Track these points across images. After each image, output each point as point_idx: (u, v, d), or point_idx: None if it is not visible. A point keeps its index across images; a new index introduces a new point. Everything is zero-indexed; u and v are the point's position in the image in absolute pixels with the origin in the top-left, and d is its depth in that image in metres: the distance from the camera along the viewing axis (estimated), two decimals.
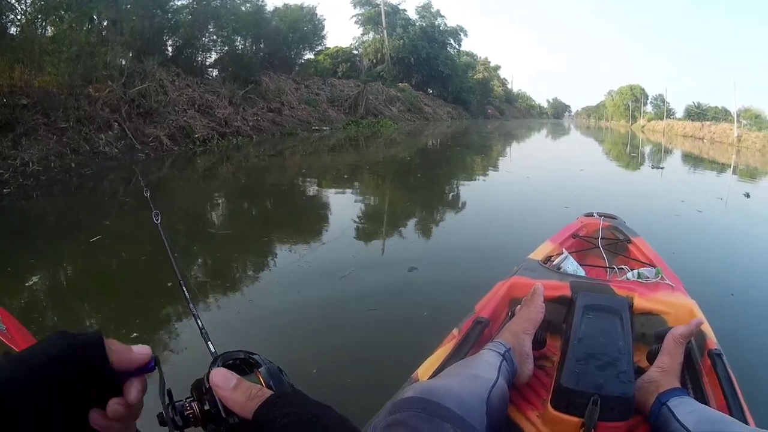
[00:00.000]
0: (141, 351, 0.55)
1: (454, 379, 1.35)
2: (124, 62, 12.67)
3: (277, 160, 12.25)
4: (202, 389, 0.55)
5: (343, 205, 7.24)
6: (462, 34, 47.17)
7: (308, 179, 9.76)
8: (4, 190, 7.25)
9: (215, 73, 18.70)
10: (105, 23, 13.07)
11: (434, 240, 5.59)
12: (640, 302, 1.97)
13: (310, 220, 6.33)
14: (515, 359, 1.62)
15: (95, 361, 0.51)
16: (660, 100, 64.03)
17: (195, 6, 17.38)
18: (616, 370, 1.42)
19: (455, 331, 1.88)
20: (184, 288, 0.83)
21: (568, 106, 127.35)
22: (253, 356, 0.59)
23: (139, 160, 10.52)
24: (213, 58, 19.01)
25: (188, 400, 0.55)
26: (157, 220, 1.09)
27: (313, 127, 19.94)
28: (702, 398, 1.57)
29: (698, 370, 1.72)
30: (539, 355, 1.84)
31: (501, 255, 4.42)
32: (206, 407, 0.54)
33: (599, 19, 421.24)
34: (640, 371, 1.65)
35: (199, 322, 0.77)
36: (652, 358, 1.67)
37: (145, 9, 14.75)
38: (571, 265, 2.46)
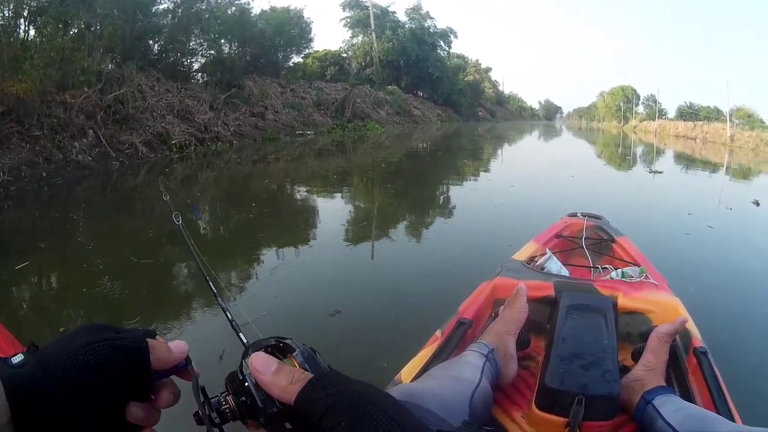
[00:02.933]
0: (179, 349, 0.54)
1: (436, 380, 1.36)
2: (102, 67, 12.52)
3: (260, 167, 12.13)
4: (236, 381, 0.53)
5: (329, 210, 7.23)
6: (452, 36, 47.07)
7: (293, 185, 9.69)
8: None
9: (203, 77, 18.62)
10: (81, 28, 12.93)
11: (418, 242, 5.62)
12: (624, 301, 1.98)
13: (294, 225, 6.31)
14: (499, 360, 1.63)
15: (137, 368, 0.50)
16: (652, 101, 64.40)
17: (178, 10, 17.26)
18: (601, 369, 1.43)
19: (438, 333, 1.88)
20: (211, 284, 0.82)
21: (560, 108, 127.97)
22: (285, 341, 0.56)
23: (113, 169, 10.37)
24: (199, 63, 18.96)
25: (223, 394, 0.54)
26: (178, 221, 1.08)
27: (297, 132, 19.83)
28: (688, 396, 1.58)
29: (684, 368, 1.73)
30: (523, 355, 1.86)
31: (485, 256, 4.46)
32: (242, 399, 0.52)
33: (592, 20, 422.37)
34: (625, 370, 1.65)
35: (228, 314, 0.76)
36: (637, 356, 1.68)
37: (125, 13, 14.60)
38: (555, 265, 2.48)
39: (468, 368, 1.45)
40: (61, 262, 4.74)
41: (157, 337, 0.53)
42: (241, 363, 0.54)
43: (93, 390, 0.46)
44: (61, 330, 3.27)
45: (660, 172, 12.71)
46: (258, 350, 0.54)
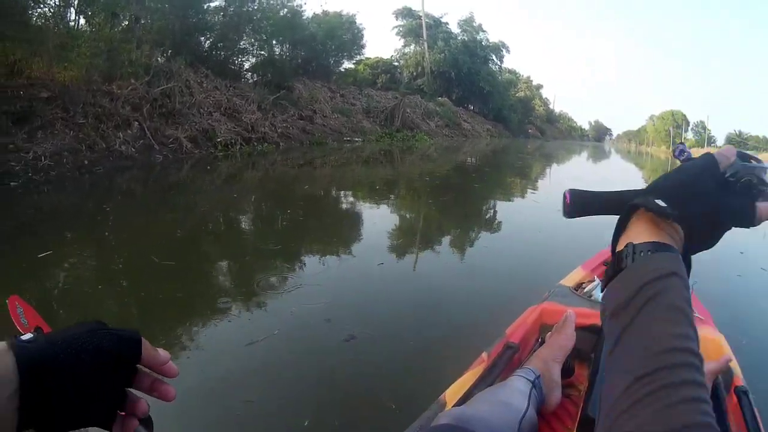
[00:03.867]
0: (164, 354, 0.58)
1: (486, 405, 1.34)
2: (150, 60, 12.35)
3: (305, 170, 11.65)
4: None
5: (371, 219, 6.91)
6: (504, 51, 46.66)
7: (337, 192, 9.29)
8: (11, 183, 7.05)
9: (253, 77, 18.49)
10: (130, 20, 12.85)
11: (462, 260, 5.27)
12: None
13: (333, 233, 5.98)
14: (544, 387, 1.60)
15: (132, 357, 0.55)
16: (701, 127, 63.68)
17: (229, 8, 17.17)
18: None
19: (484, 355, 1.84)
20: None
21: (609, 130, 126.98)
22: None
23: (156, 162, 10.15)
24: (250, 63, 18.87)
25: None
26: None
27: (345, 138, 19.42)
28: None
29: (723, 406, 1.63)
30: (566, 383, 1.80)
31: (530, 279, 4.30)
32: None
33: (646, 42, 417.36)
34: None
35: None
36: None
37: (176, 8, 14.52)
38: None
39: (516, 395, 1.43)
40: (82, 256, 4.47)
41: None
42: None
43: (96, 371, 0.50)
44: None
45: None
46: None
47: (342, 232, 6.07)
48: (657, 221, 0.60)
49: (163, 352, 0.58)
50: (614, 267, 0.58)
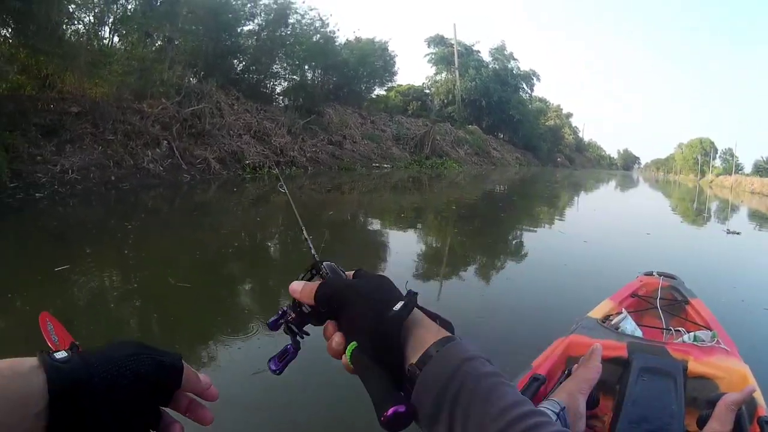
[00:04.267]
0: (206, 380, 0.59)
1: None
2: (183, 81, 12.41)
3: (333, 195, 11.47)
4: (293, 301, 0.72)
5: (396, 247, 6.84)
6: (535, 79, 46.59)
7: (364, 217, 9.18)
8: (37, 194, 7.08)
9: (284, 101, 18.54)
10: (163, 40, 12.95)
11: (487, 289, 5.31)
12: (694, 366, 1.97)
13: (360, 260, 5.74)
14: (569, 418, 1.57)
15: (172, 384, 0.55)
16: (729, 155, 63.44)
17: (263, 32, 17.26)
18: None
19: None
20: (311, 244, 0.88)
21: (638, 158, 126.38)
22: (317, 264, 0.75)
23: (183, 181, 10.09)
24: (282, 87, 18.94)
25: (290, 308, 0.73)
26: (283, 190, 1.10)
27: (374, 164, 19.31)
28: None
29: None
30: (591, 414, 1.77)
31: (557, 311, 4.27)
32: (298, 309, 0.71)
33: (672, 70, 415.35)
34: None
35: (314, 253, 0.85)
36: (701, 423, 1.59)
37: (210, 30, 14.60)
38: (630, 326, 2.48)
39: None
40: (98, 272, 4.42)
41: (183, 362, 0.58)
42: None
43: (133, 395, 0.50)
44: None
45: (737, 233, 11.59)
46: (300, 277, 0.75)
47: (364, 258, 5.95)
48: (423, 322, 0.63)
49: (204, 378, 0.58)
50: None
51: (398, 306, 0.60)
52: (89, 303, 3.75)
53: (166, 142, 10.55)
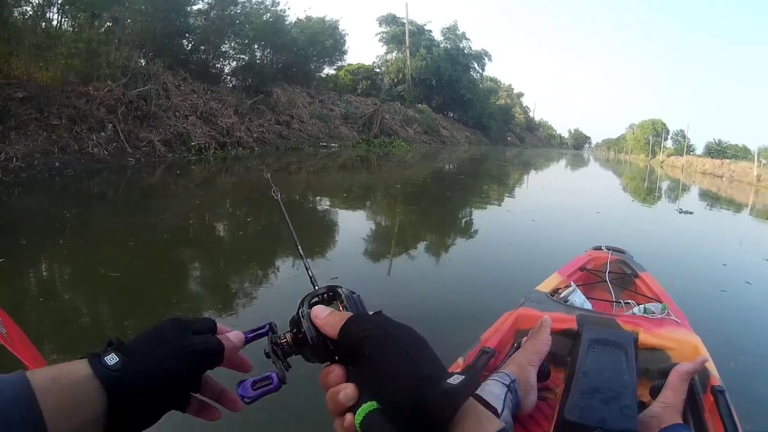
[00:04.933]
0: (239, 338, 0.64)
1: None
2: (129, 62, 12.38)
3: (281, 176, 11.58)
4: (293, 322, 0.64)
5: (345, 225, 7.04)
6: (486, 59, 47.04)
7: (313, 197, 9.43)
8: None
9: (233, 81, 18.56)
10: (111, 22, 12.86)
11: (438, 267, 5.38)
12: (645, 337, 1.99)
13: (312, 238, 5.95)
14: (519, 390, 1.63)
15: (212, 365, 0.60)
16: (681, 136, 64.27)
17: (212, 11, 17.21)
18: (620, 404, 1.46)
19: (460, 361, 1.88)
20: (300, 247, 0.87)
21: (589, 138, 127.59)
22: (336, 289, 0.67)
23: (128, 165, 10.17)
24: (230, 66, 18.93)
25: (285, 333, 0.65)
26: (277, 197, 1.08)
27: (321, 143, 19.60)
28: None
29: (700, 406, 1.72)
30: (542, 386, 1.87)
31: (507, 285, 4.36)
32: (299, 335, 0.63)
33: (626, 52, 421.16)
34: (642, 406, 1.66)
35: (309, 271, 0.80)
36: (655, 393, 1.68)
37: (158, 10, 14.56)
38: (579, 299, 2.50)
39: (491, 398, 1.46)
40: (31, 267, 4.32)
41: (218, 326, 0.64)
42: (299, 308, 0.64)
43: (172, 391, 0.56)
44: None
45: (690, 213, 12.03)
46: (313, 299, 0.66)
47: (313, 239, 5.92)
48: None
49: (237, 338, 0.63)
50: None
51: (456, 379, 0.49)
52: (15, 296, 3.63)
53: (111, 125, 10.63)
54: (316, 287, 0.70)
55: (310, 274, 0.80)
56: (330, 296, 0.67)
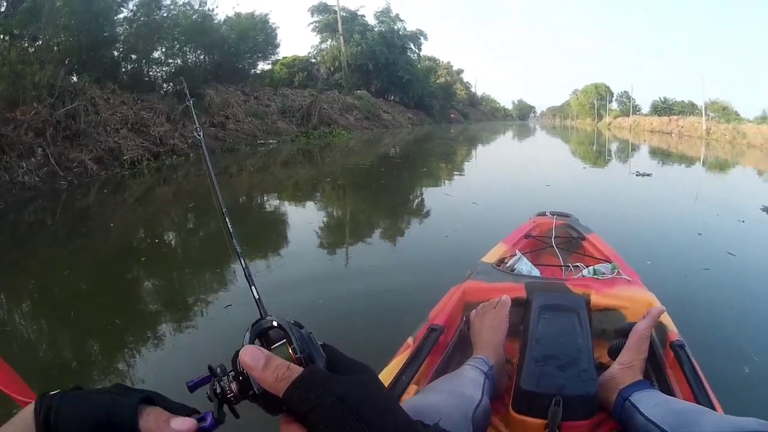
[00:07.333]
0: (182, 427, 0.50)
1: (440, 396, 1.35)
2: (55, 81, 12.13)
3: (220, 179, 11.49)
4: (237, 362, 0.55)
5: (299, 217, 7.20)
6: (422, 38, 47.17)
7: (254, 198, 9.55)
8: None
9: (169, 87, 18.31)
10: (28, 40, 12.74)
11: (386, 250, 5.55)
12: (597, 298, 1.99)
13: (257, 238, 6.12)
14: (496, 375, 1.64)
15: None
16: (625, 97, 65.17)
17: (139, 18, 16.96)
18: (577, 369, 1.44)
19: (410, 340, 1.85)
20: (242, 259, 0.77)
21: (533, 108, 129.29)
22: (284, 325, 0.57)
23: (61, 189, 10.04)
24: (164, 73, 18.76)
25: (230, 374, 0.56)
26: (199, 135, 1.02)
27: (259, 141, 19.69)
28: (668, 390, 1.59)
29: (661, 362, 1.74)
30: None
31: (455, 260, 4.32)
32: (246, 384, 0.54)
33: (562, 17, 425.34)
34: (602, 367, 1.67)
35: (253, 289, 0.72)
36: (613, 353, 1.66)
37: (84, 22, 14.30)
38: (525, 266, 2.47)
39: (470, 384, 1.45)
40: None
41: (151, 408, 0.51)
42: (242, 344, 0.56)
43: None
44: None
45: (648, 175, 11.67)
46: (254, 335, 0.58)
47: (264, 240, 6.08)
48: None
49: (181, 424, 0.49)
50: None
51: None
52: None
53: (40, 149, 10.53)
54: (263, 314, 0.64)
55: (256, 296, 0.71)
56: (280, 327, 0.58)
